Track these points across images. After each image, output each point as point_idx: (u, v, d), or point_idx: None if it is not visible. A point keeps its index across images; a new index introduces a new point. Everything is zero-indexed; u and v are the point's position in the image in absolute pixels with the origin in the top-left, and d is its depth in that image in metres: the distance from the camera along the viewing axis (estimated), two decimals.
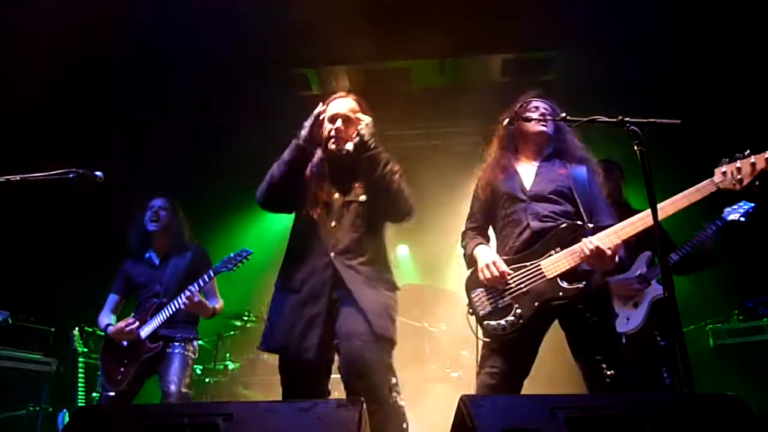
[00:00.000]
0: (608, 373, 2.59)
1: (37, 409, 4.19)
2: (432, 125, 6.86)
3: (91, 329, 4.93)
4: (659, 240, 2.21)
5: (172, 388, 3.70)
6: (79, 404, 4.24)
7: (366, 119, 2.78)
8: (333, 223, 2.68)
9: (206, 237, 4.63)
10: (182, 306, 3.77)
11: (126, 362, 3.82)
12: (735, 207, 3.77)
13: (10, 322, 4.21)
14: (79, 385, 4.31)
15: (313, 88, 6.18)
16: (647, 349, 3.64)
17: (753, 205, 3.73)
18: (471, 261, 3.00)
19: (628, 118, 2.37)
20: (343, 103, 2.83)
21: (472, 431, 1.48)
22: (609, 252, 2.63)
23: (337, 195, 2.74)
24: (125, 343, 3.83)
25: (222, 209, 6.89)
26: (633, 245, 3.69)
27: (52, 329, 4.65)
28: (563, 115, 2.63)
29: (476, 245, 2.99)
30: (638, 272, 3.74)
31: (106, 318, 4.04)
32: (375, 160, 2.66)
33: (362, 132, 2.70)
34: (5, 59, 4.72)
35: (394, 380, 2.54)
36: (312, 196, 2.75)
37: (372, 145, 2.67)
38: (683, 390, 1.95)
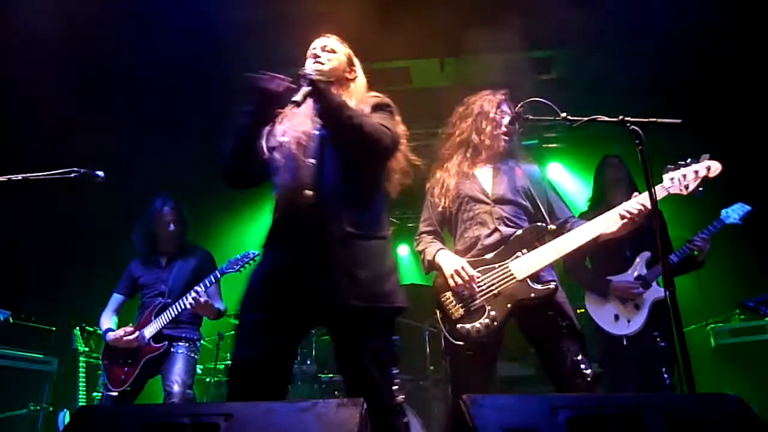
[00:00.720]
0: (587, 372, 2.62)
1: (38, 408, 4.20)
2: (432, 125, 6.84)
3: (92, 329, 4.93)
4: (660, 239, 2.22)
5: (176, 388, 3.71)
6: (80, 404, 4.24)
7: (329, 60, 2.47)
8: (311, 160, 2.32)
9: (210, 240, 4.65)
10: (188, 306, 3.77)
11: (129, 362, 3.85)
12: (733, 209, 3.79)
13: (12, 321, 4.21)
14: (80, 384, 4.31)
15: None
16: (647, 350, 3.63)
17: (749, 208, 3.79)
18: (432, 266, 3.01)
19: (629, 118, 2.38)
20: (320, 41, 2.58)
21: (472, 431, 1.48)
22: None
23: (315, 131, 2.38)
24: (123, 343, 3.85)
25: (225, 210, 6.89)
26: (636, 244, 3.71)
27: (53, 328, 4.66)
28: (564, 114, 2.64)
29: (438, 250, 3.00)
30: (637, 273, 3.74)
31: (108, 320, 4.07)
32: (324, 106, 2.26)
33: (310, 74, 2.27)
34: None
35: (394, 371, 2.19)
36: (285, 132, 2.39)
37: (319, 89, 2.24)
38: (684, 390, 1.96)
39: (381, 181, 2.46)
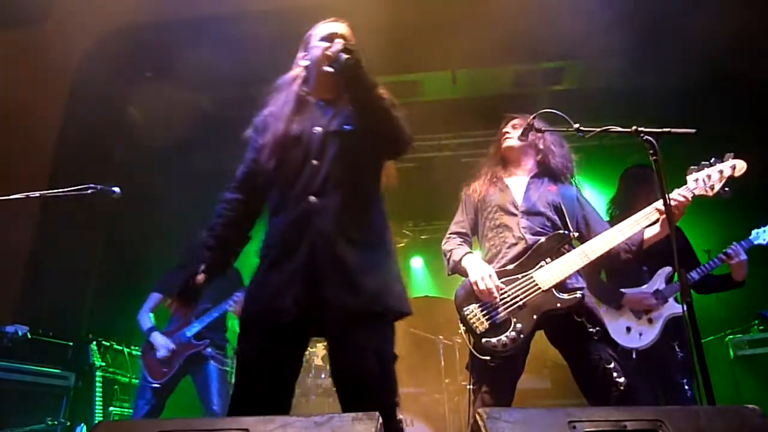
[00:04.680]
0: (620, 381, 2.57)
1: (56, 423, 4.22)
2: (444, 137, 6.87)
3: (108, 343, 4.97)
4: (678, 251, 2.19)
5: (217, 410, 4.05)
6: (97, 418, 4.27)
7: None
8: (314, 161, 2.17)
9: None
10: (230, 309, 4.23)
11: (170, 356, 4.27)
12: (765, 230, 3.74)
13: (29, 336, 4.27)
14: (97, 399, 4.35)
15: None
16: (667, 361, 3.59)
17: None
18: (457, 268, 2.98)
19: (642, 128, 2.36)
20: (338, 29, 2.38)
21: None
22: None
23: (317, 128, 2.24)
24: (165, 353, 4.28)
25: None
26: (654, 259, 3.67)
27: (71, 343, 4.70)
28: (576, 125, 2.63)
29: (465, 254, 2.97)
30: (656, 288, 3.69)
31: (147, 319, 4.49)
32: (360, 84, 2.16)
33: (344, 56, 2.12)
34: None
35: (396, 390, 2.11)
36: (284, 136, 2.23)
37: (358, 66, 2.13)
38: (703, 402, 1.93)
39: (379, 187, 2.35)
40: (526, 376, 2.96)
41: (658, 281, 3.71)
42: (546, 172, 3.11)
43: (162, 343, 4.31)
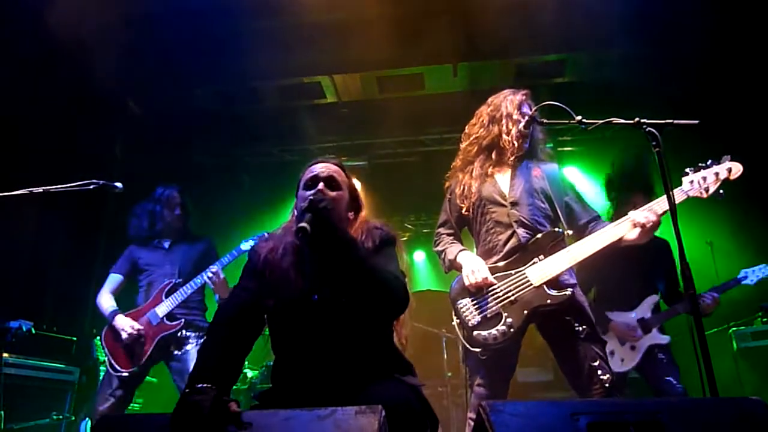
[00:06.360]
0: (605, 378, 2.60)
1: (60, 417, 4.23)
2: (445, 130, 6.85)
3: None
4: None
5: None
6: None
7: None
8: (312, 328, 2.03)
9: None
10: (207, 281, 3.74)
11: (140, 342, 3.81)
12: (753, 270, 3.88)
13: (34, 332, 4.28)
14: None
15: (327, 95, 6.21)
16: (650, 369, 3.68)
17: None
18: (453, 265, 3.01)
19: (644, 120, 2.35)
20: (321, 171, 2.20)
21: None
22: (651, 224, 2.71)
23: (314, 295, 2.05)
24: (130, 332, 3.81)
25: (234, 214, 6.93)
26: (641, 282, 3.75)
27: (75, 339, 4.71)
28: (579, 117, 2.62)
29: (460, 250, 2.99)
30: (641, 316, 3.73)
31: (108, 300, 4.02)
32: (332, 243, 1.97)
33: (321, 206, 1.99)
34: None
35: None
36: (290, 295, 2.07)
37: (335, 233, 1.97)
38: (706, 394, 1.93)
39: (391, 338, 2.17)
40: (530, 368, 3.00)
41: (644, 309, 3.74)
42: (529, 155, 3.09)
43: (126, 324, 3.82)
